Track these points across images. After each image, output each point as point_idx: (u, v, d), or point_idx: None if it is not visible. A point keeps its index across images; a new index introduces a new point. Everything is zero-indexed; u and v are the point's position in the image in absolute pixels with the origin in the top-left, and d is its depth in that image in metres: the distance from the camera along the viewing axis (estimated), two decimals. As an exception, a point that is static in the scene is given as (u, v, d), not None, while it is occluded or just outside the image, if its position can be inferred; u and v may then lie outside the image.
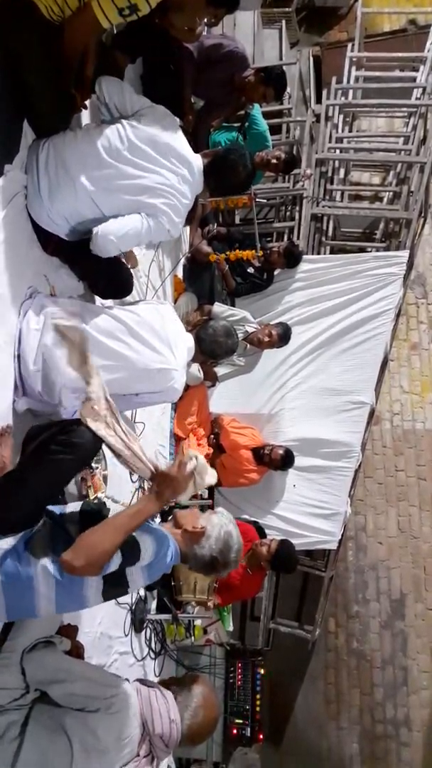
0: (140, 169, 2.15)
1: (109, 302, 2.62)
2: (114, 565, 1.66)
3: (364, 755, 5.09)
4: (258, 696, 4.35)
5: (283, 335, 4.29)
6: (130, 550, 1.69)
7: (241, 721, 4.30)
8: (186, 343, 2.33)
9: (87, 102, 2.33)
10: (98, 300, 2.62)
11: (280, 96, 3.99)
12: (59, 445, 1.75)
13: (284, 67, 4.21)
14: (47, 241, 2.30)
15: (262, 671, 4.41)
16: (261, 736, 4.43)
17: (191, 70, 3.30)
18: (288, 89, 4.91)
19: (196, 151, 2.33)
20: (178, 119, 2.34)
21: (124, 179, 2.14)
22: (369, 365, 4.44)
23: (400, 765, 4.99)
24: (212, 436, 4.20)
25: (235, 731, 4.29)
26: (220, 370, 4.40)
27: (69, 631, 2.15)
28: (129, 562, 1.71)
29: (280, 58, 6.23)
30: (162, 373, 2.15)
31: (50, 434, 1.79)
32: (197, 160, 2.28)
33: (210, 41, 3.43)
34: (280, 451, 4.14)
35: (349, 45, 6.07)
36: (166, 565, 1.83)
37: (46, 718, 1.75)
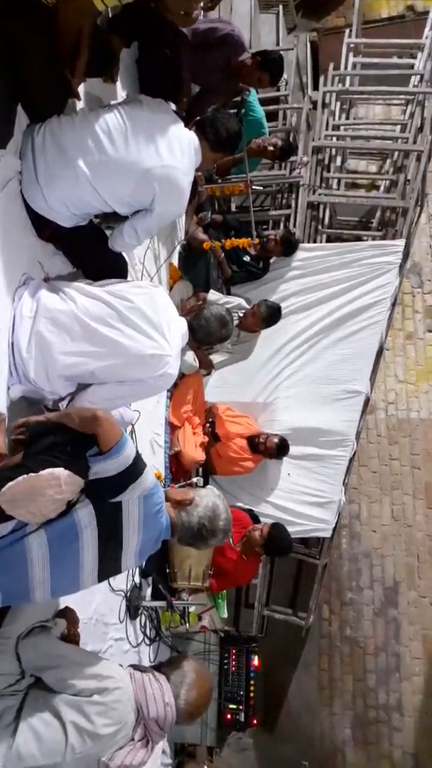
0: (138, 152, 2.13)
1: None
2: (131, 449, 1.71)
3: (356, 740, 5.14)
4: (252, 682, 4.39)
5: (270, 309, 4.26)
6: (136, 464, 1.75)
7: (235, 707, 4.33)
8: (179, 328, 2.32)
9: (80, 89, 2.31)
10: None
11: (277, 81, 3.95)
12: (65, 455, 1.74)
13: (281, 53, 4.16)
14: (42, 227, 2.28)
15: (256, 657, 4.44)
16: (255, 721, 4.47)
17: (188, 55, 3.27)
18: (285, 75, 4.87)
19: None
20: (172, 104, 2.33)
21: (123, 162, 2.13)
22: (364, 354, 4.43)
23: (392, 750, 5.05)
24: (207, 424, 4.20)
25: (229, 716, 4.33)
26: (216, 358, 4.39)
27: (67, 614, 2.16)
28: (138, 467, 1.75)
29: (277, 44, 6.16)
30: (155, 359, 2.14)
31: (63, 440, 1.77)
32: (190, 135, 2.29)
33: (205, 25, 3.39)
34: (275, 440, 4.15)
35: (347, 31, 6.01)
36: (158, 530, 1.87)
37: (40, 703, 1.76)
